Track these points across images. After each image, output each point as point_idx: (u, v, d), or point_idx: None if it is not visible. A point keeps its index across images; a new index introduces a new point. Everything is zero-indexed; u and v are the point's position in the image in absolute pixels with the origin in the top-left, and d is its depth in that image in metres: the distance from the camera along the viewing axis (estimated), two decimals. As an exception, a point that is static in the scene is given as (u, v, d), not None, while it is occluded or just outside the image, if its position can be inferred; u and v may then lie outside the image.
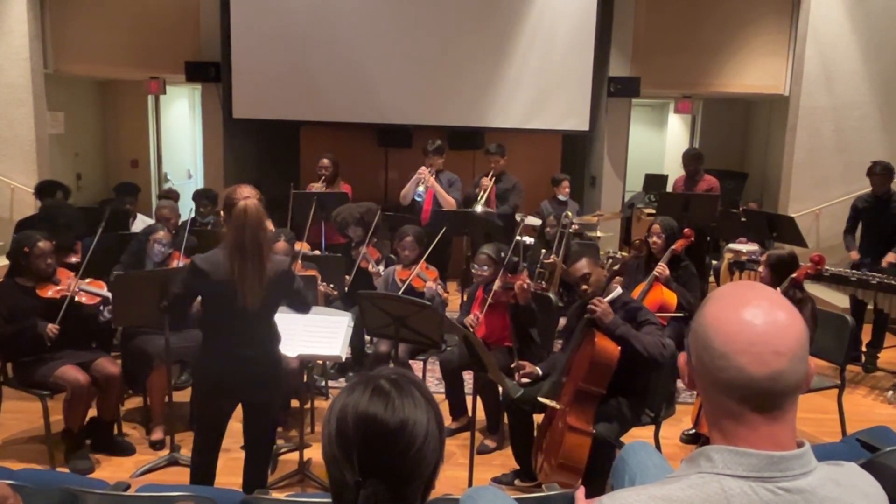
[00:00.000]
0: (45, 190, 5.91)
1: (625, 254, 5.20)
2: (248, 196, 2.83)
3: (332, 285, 4.33)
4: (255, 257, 2.81)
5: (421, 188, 6.04)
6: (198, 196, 6.13)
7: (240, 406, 3.07)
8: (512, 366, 3.62)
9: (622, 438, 3.39)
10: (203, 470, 3.09)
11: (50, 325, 3.61)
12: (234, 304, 2.81)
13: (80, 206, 5.84)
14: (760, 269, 4.10)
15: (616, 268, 3.51)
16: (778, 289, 3.62)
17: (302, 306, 3.14)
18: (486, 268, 4.09)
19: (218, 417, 3.10)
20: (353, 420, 1.10)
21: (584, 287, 3.41)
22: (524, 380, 3.52)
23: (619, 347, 3.14)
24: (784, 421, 1.01)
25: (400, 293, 4.26)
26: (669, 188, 8.91)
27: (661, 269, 4.34)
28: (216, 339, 2.96)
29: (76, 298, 3.75)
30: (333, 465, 1.11)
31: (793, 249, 4.33)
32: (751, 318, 1.00)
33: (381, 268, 4.94)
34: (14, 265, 3.84)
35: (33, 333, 3.61)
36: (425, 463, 1.12)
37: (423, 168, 6.10)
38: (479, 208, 6.04)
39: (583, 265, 3.44)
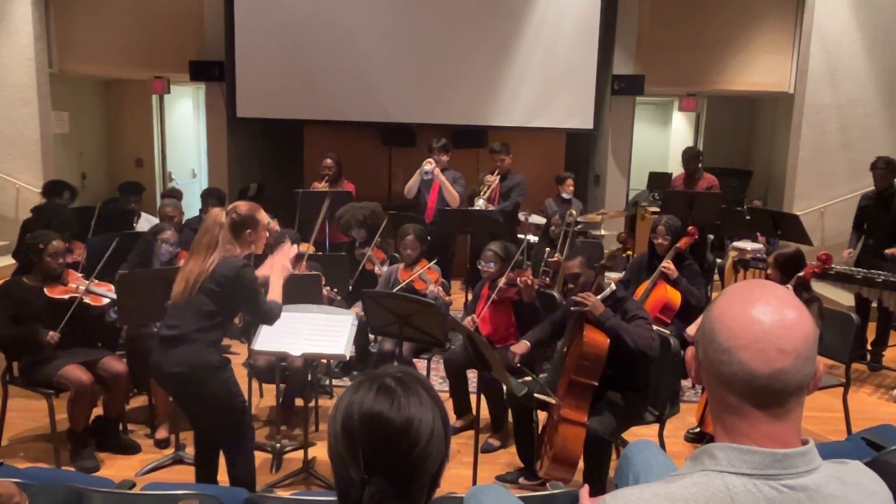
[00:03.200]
0: (52, 190, 5.94)
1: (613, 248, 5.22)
2: (226, 209, 3.01)
3: (335, 289, 4.32)
4: (193, 256, 2.93)
5: (428, 167, 6.01)
6: (206, 195, 6.14)
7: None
8: (515, 362, 3.61)
9: (626, 436, 3.39)
10: (202, 467, 3.11)
11: (51, 333, 3.62)
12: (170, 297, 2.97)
13: (76, 207, 5.85)
14: (769, 270, 4.09)
15: (603, 262, 3.52)
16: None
17: (261, 316, 3.00)
18: (492, 264, 4.09)
19: (182, 409, 3.13)
20: (359, 418, 1.10)
21: (571, 286, 3.44)
22: (523, 367, 3.51)
23: (609, 339, 3.15)
24: (787, 419, 1.01)
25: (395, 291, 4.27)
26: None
27: (668, 265, 4.33)
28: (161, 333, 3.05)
29: (84, 300, 3.77)
30: (339, 463, 1.11)
31: (798, 247, 4.31)
32: (758, 314, 1.00)
33: (386, 268, 4.94)
34: (24, 264, 3.85)
35: (34, 340, 3.62)
36: (430, 461, 1.12)
37: (430, 159, 6.10)
38: (480, 202, 6.03)
39: (574, 264, 3.46)
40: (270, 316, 3.01)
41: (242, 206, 3.00)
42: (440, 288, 4.45)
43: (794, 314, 1.01)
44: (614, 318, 3.21)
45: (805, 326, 1.00)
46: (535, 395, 3.29)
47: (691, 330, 3.63)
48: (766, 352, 0.98)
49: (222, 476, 3.15)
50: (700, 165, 6.40)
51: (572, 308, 3.33)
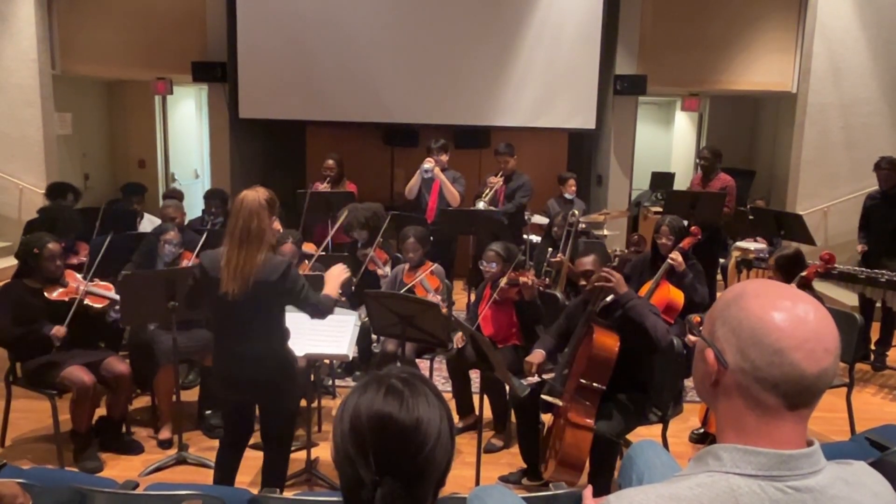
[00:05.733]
0: (55, 192, 5.95)
1: (625, 250, 5.21)
2: (256, 189, 2.87)
3: (339, 291, 4.31)
4: (243, 246, 2.78)
5: (427, 165, 6.00)
6: (209, 196, 6.13)
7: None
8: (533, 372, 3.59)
9: (629, 437, 3.39)
10: (222, 469, 3.11)
11: (57, 327, 3.63)
12: (222, 295, 2.82)
13: (80, 208, 5.86)
14: (770, 272, 4.08)
15: (614, 265, 3.50)
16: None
17: (311, 310, 3.01)
18: (494, 264, 4.09)
19: (231, 415, 3.12)
20: (368, 419, 1.10)
21: (584, 283, 3.43)
22: (535, 377, 3.51)
23: (618, 342, 3.13)
24: (806, 419, 1.01)
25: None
26: (676, 186, 8.89)
27: (675, 255, 4.31)
28: (218, 335, 3.01)
29: (84, 301, 3.77)
30: (347, 464, 1.11)
31: (798, 247, 4.30)
32: (803, 314, 1.00)
33: (389, 269, 4.94)
34: (23, 266, 3.86)
35: (40, 336, 3.63)
36: (438, 461, 1.12)
37: (429, 158, 6.10)
38: (481, 205, 6.03)
39: (589, 261, 3.45)
40: (322, 309, 3.02)
41: (265, 190, 2.91)
42: (439, 297, 4.44)
43: (826, 312, 1.02)
44: (638, 300, 3.18)
45: (835, 324, 1.02)
46: (542, 396, 3.29)
47: (696, 318, 3.60)
48: (816, 351, 0.98)
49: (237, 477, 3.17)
50: (718, 164, 6.26)
51: (596, 284, 3.27)
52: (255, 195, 2.84)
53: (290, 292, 2.91)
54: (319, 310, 3.02)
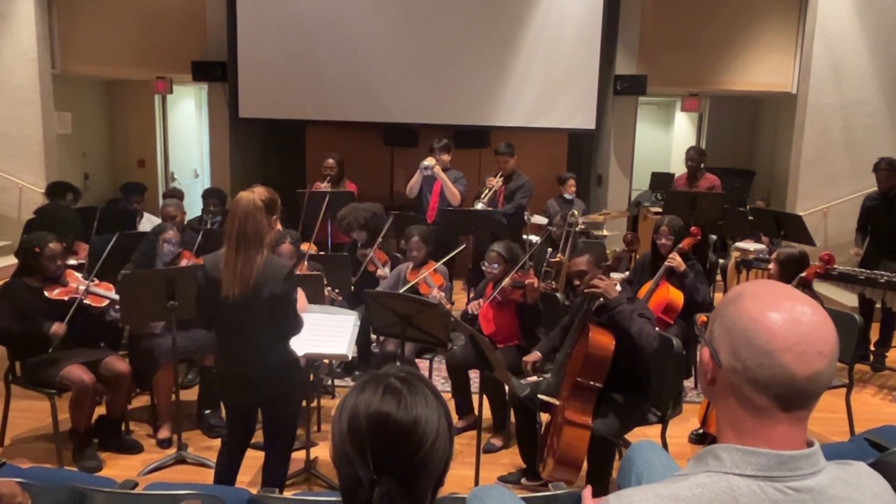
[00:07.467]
0: (55, 191, 5.94)
1: (616, 248, 5.22)
2: (253, 190, 2.83)
3: (336, 290, 4.32)
4: (241, 248, 2.75)
5: (427, 162, 5.99)
6: (207, 195, 6.14)
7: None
8: (528, 370, 3.63)
9: (629, 437, 3.39)
10: (223, 470, 3.10)
11: (56, 324, 3.62)
12: (223, 297, 2.79)
13: (78, 208, 5.85)
14: (771, 265, 4.09)
15: (608, 263, 3.52)
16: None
17: (289, 327, 2.94)
18: (496, 265, 4.09)
19: (233, 416, 3.12)
20: (366, 418, 1.10)
21: (577, 283, 3.44)
22: (534, 376, 3.53)
23: (614, 340, 3.14)
24: (804, 420, 1.01)
25: (401, 292, 4.27)
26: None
27: (674, 256, 4.32)
28: (220, 336, 2.99)
29: (84, 300, 3.77)
30: (345, 464, 1.11)
31: (804, 249, 4.31)
32: (797, 316, 0.99)
33: (388, 270, 4.94)
34: (23, 265, 3.86)
35: (39, 334, 3.62)
36: (436, 460, 1.13)
37: (430, 158, 6.09)
38: (479, 205, 6.03)
39: (582, 261, 3.46)
40: (298, 328, 2.99)
41: (263, 189, 2.86)
42: (443, 294, 4.44)
43: (824, 316, 1.01)
44: (626, 306, 3.20)
45: (833, 328, 1.01)
46: (539, 395, 3.29)
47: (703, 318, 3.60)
48: (807, 354, 0.98)
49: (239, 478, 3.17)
50: (703, 164, 6.41)
51: (585, 290, 3.30)
52: (251, 196, 2.79)
53: (282, 299, 2.85)
54: (295, 330, 2.98)
